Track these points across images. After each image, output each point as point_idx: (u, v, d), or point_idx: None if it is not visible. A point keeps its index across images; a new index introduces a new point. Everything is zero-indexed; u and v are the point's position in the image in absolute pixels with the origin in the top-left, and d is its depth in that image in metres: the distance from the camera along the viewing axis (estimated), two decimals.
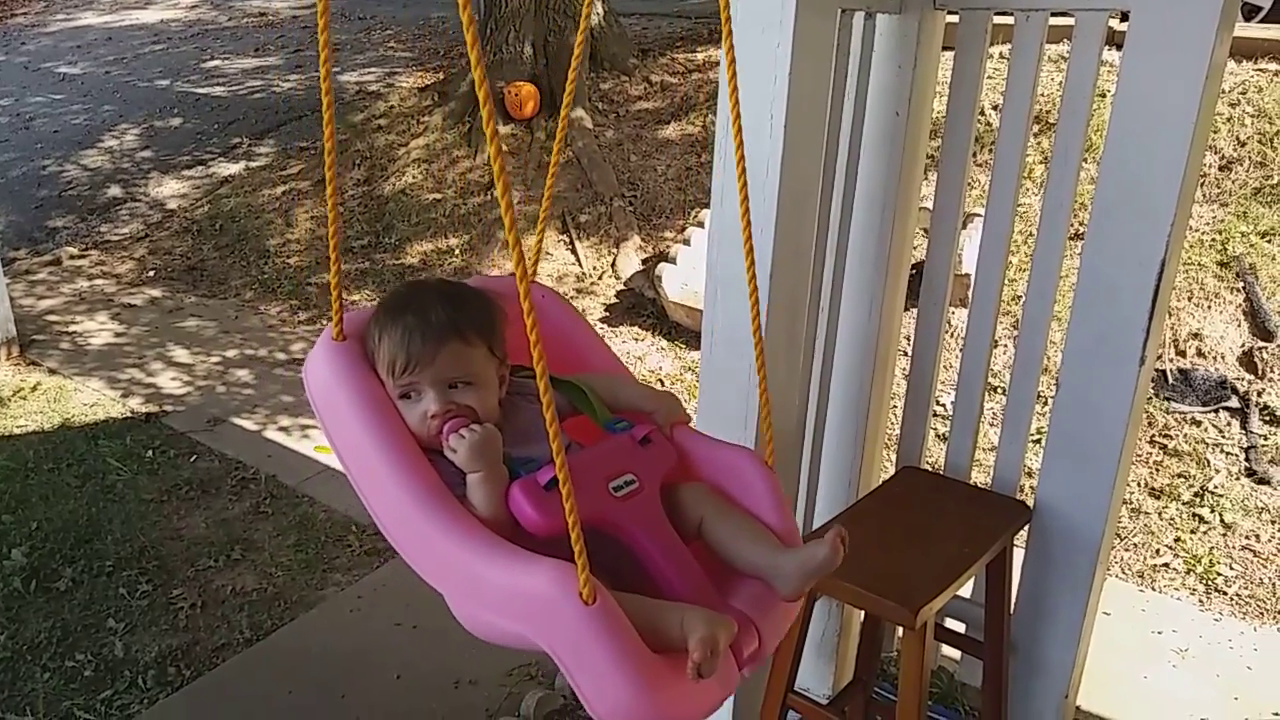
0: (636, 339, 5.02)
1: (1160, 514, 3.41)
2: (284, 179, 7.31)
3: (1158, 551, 3.25)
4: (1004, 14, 1.90)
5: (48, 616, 3.05)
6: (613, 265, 5.71)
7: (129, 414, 4.46)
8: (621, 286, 5.52)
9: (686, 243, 5.12)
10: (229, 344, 5.30)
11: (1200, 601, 3.04)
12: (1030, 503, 1.97)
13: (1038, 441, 2.56)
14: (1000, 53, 4.59)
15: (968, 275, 3.70)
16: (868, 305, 2.18)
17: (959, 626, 2.15)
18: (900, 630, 1.91)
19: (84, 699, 2.71)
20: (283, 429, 4.32)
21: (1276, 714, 2.57)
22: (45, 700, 2.71)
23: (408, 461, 1.12)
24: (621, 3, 8.05)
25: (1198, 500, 3.44)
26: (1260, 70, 5.02)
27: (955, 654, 2.26)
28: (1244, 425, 3.69)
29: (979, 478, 2.30)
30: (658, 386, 4.42)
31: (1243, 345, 3.99)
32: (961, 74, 1.97)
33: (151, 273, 6.43)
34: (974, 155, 2.08)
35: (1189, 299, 4.16)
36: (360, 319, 1.23)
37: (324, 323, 5.55)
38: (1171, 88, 1.62)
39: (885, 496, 2.08)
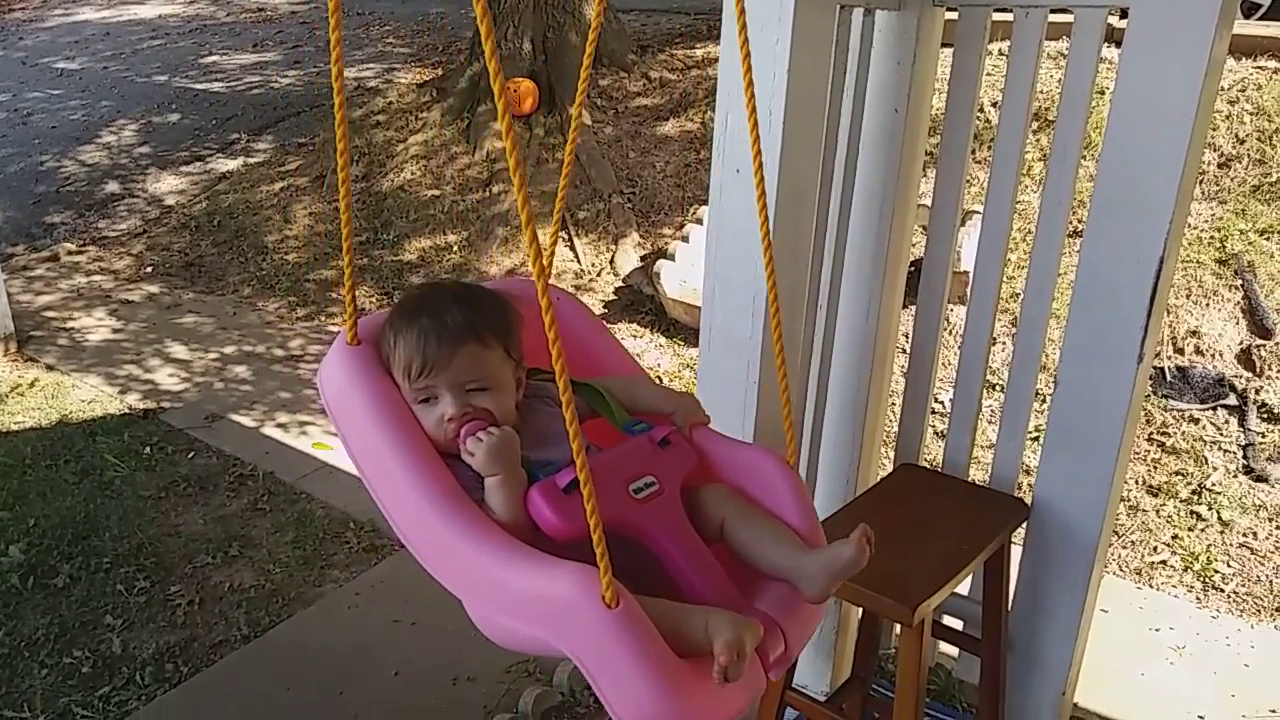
0: (635, 336, 5.01)
1: (1158, 511, 3.41)
2: (282, 175, 7.30)
3: (1155, 549, 3.26)
4: (1003, 10, 1.90)
5: (45, 613, 3.05)
6: (611, 262, 5.71)
7: (127, 410, 4.46)
8: (620, 283, 5.51)
9: (685, 239, 5.11)
10: (227, 340, 5.30)
11: (1198, 599, 3.05)
12: (1028, 500, 1.97)
13: (1036, 439, 2.56)
14: (999, 49, 4.59)
15: (966, 272, 3.69)
16: (866, 302, 2.18)
17: (957, 623, 2.16)
18: (898, 627, 1.91)
19: (82, 695, 2.71)
20: (280, 425, 4.31)
21: (1273, 711, 2.58)
22: (43, 697, 2.71)
23: (425, 466, 1.10)
24: None
25: (1195, 498, 3.44)
26: (1259, 68, 5.02)
27: (953, 651, 2.27)
28: (1242, 423, 3.70)
29: (977, 475, 2.30)
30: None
31: (1241, 343, 3.99)
32: (960, 70, 1.96)
33: (149, 269, 6.42)
34: (973, 152, 2.08)
35: (1187, 296, 4.17)
36: (374, 322, 1.22)
37: (322, 319, 5.57)
38: (1170, 85, 1.62)
39: (883, 494, 2.08)
